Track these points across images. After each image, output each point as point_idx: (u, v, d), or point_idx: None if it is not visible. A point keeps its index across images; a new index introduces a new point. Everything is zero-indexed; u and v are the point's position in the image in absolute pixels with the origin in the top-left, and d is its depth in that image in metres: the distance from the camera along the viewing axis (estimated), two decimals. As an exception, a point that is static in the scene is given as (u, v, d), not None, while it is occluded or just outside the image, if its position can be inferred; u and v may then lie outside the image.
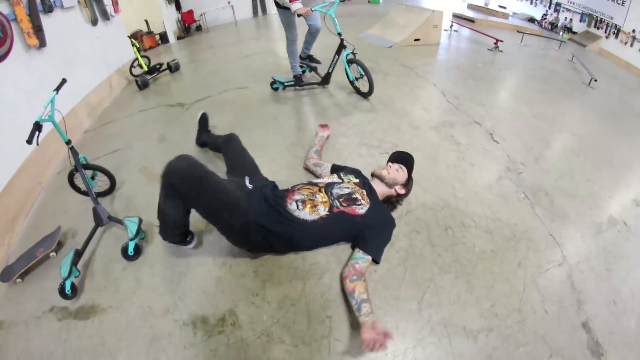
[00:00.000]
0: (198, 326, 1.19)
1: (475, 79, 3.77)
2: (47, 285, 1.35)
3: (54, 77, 1.82)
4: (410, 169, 1.64)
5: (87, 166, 1.69)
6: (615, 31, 6.44)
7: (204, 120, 2.23)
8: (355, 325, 1.16)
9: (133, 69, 3.41)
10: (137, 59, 3.38)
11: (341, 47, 2.82)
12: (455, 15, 7.30)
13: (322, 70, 3.23)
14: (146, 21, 4.81)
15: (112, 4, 3.47)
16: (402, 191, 1.58)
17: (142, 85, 3.18)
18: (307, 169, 1.93)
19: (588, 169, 2.18)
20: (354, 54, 2.79)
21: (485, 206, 1.75)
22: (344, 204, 1.35)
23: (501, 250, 1.50)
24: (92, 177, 1.79)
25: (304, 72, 3.39)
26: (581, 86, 3.83)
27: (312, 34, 3.10)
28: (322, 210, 1.31)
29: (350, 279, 1.21)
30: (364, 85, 2.85)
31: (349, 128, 2.46)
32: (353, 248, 1.39)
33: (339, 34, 2.77)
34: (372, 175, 1.60)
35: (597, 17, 6.92)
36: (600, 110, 3.20)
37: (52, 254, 1.45)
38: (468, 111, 2.88)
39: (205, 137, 2.15)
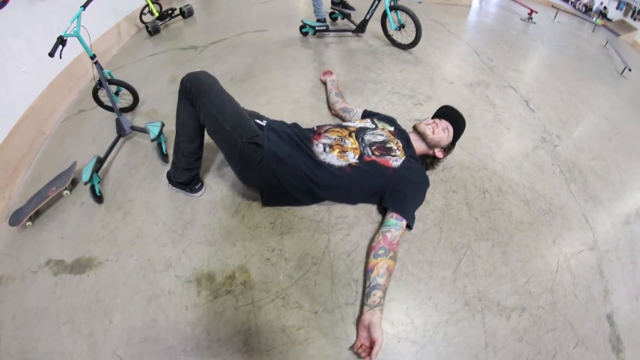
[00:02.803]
0: (203, 284, 0.96)
1: (508, 45, 3.25)
2: (46, 237, 1.17)
3: (57, 24, 1.73)
4: (458, 134, 1.26)
5: (111, 81, 1.61)
6: None
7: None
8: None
9: (143, 16, 3.10)
10: (147, 5, 3.06)
11: None
12: None
13: (357, 18, 2.68)
14: None
15: None
16: (440, 155, 1.25)
17: (153, 31, 2.91)
18: (336, 115, 1.55)
19: (619, 156, 1.92)
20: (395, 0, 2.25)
21: (522, 174, 1.46)
22: (376, 153, 1.07)
23: (537, 224, 1.25)
24: (116, 93, 1.74)
25: (335, 18, 2.91)
26: (614, 73, 3.43)
27: None
28: (352, 157, 1.03)
29: (375, 253, 0.92)
30: (404, 37, 2.38)
31: (379, 75, 2.05)
32: (383, 211, 1.10)
33: None
34: (414, 128, 1.25)
35: (635, 7, 6.19)
36: (631, 99, 2.87)
37: (66, 192, 1.27)
38: (503, 74, 2.45)
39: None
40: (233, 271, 0.99)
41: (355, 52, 2.37)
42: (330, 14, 2.91)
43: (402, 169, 1.05)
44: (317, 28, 2.46)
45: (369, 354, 0.76)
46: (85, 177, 1.19)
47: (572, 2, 7.52)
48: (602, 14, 6.86)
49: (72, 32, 1.30)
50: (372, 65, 2.19)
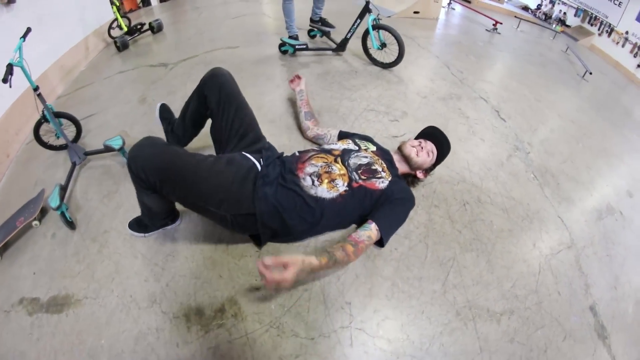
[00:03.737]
0: (192, 319, 1.03)
1: (476, 56, 3.84)
2: (17, 272, 1.21)
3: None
4: (441, 158, 1.50)
5: (57, 114, 1.67)
6: (609, 30, 7.02)
7: (165, 114, 1.63)
8: (379, 310, 1.09)
9: (112, 31, 3.37)
10: (116, 19, 3.33)
11: (366, 10, 2.64)
12: None
13: (336, 35, 3.08)
14: None
15: None
16: (421, 176, 1.48)
17: (122, 47, 3.12)
18: (311, 141, 1.76)
19: (587, 156, 2.34)
20: (377, 19, 2.63)
21: (499, 183, 1.76)
22: (363, 177, 1.20)
23: (517, 230, 1.52)
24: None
25: (314, 36, 3.22)
26: (576, 77, 4.11)
27: (285, 2, 2.81)
28: (341, 186, 1.15)
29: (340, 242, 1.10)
30: (385, 56, 2.74)
31: (353, 92, 2.36)
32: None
33: None
34: (399, 149, 1.45)
35: (592, 13, 7.50)
36: (594, 102, 3.46)
37: (35, 222, 1.31)
38: (473, 86, 2.91)
39: (178, 129, 1.52)
40: (222, 304, 1.07)
41: (329, 70, 2.68)
42: (309, 32, 3.25)
43: (388, 189, 1.24)
44: (297, 47, 2.72)
45: (268, 279, 0.85)
46: (54, 203, 1.25)
47: (532, 11, 8.99)
48: (561, 21, 8.25)
49: (17, 62, 1.36)
50: (346, 82, 2.51)
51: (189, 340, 0.99)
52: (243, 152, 1.21)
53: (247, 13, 4.20)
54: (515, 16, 6.88)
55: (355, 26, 2.74)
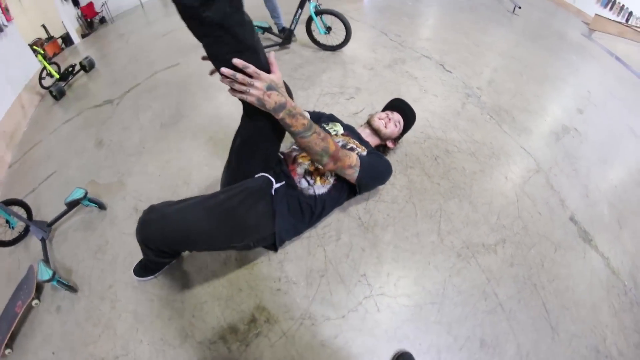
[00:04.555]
0: (229, 339, 1.15)
1: (409, 16, 4.27)
2: (35, 359, 1.22)
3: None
4: (408, 126, 1.73)
5: (5, 203, 1.65)
6: None
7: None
8: (391, 272, 1.29)
9: (43, 81, 3.47)
10: (44, 68, 3.45)
11: None
12: None
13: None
14: (44, 26, 5.05)
15: (2, 12, 3.38)
16: (391, 145, 1.71)
17: (58, 95, 3.24)
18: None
19: (533, 86, 2.76)
20: (318, 5, 2.87)
21: (461, 131, 2.06)
22: None
23: (487, 169, 1.81)
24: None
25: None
26: (507, 14, 4.73)
27: None
28: (330, 177, 1.34)
29: None
30: (332, 39, 2.98)
31: (304, 81, 2.57)
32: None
33: None
34: (368, 123, 1.67)
35: None
36: (528, 34, 4.03)
37: (35, 302, 1.35)
38: (413, 46, 3.26)
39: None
40: (252, 314, 1.21)
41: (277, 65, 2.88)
42: None
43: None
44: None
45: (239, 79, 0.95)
46: (46, 275, 1.29)
47: None
48: None
49: None
50: (294, 73, 2.71)
51: (232, 358, 1.11)
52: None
53: (176, 27, 4.27)
54: None
55: (297, 16, 3.00)
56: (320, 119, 1.69)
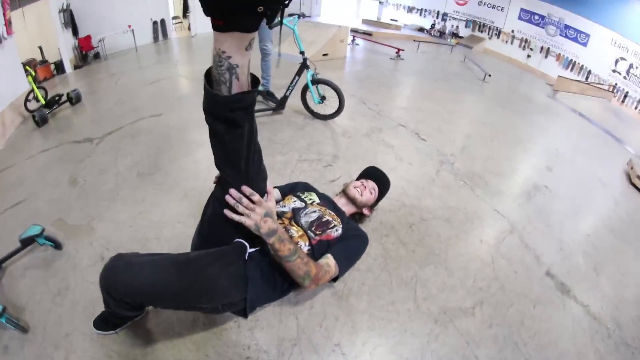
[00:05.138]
0: None
1: (387, 86, 4.95)
2: None
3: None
4: (383, 193, 1.96)
5: None
6: (497, 32, 10.09)
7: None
8: (367, 341, 1.41)
9: (28, 103, 3.61)
10: (32, 90, 3.60)
11: (304, 66, 3.29)
12: (354, 30, 9.40)
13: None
14: (40, 48, 5.19)
15: (5, 24, 3.51)
16: (367, 213, 1.91)
17: (41, 121, 3.38)
18: None
19: (504, 149, 3.19)
20: (316, 74, 3.31)
21: (436, 198, 2.35)
22: (318, 232, 1.50)
23: (462, 234, 2.06)
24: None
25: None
26: (477, 82, 5.50)
27: (263, 59, 3.57)
28: (304, 246, 1.44)
29: None
30: (326, 108, 3.41)
31: (283, 146, 2.90)
32: None
33: (302, 53, 3.26)
34: (344, 193, 1.87)
35: (480, 22, 10.66)
36: (498, 99, 4.68)
37: None
38: (390, 115, 3.78)
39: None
40: None
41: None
42: None
43: (343, 233, 1.60)
44: None
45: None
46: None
47: (428, 31, 11.96)
48: (455, 34, 11.17)
49: None
50: (274, 137, 3.03)
51: None
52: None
53: (164, 77, 4.77)
54: (414, 40, 8.99)
55: (294, 83, 3.38)
56: (295, 187, 1.90)
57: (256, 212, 1.17)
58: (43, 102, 3.64)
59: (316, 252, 1.47)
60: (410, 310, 1.54)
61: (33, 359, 1.27)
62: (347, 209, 1.84)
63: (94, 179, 2.39)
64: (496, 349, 1.45)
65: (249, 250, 1.31)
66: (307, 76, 3.31)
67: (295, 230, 1.48)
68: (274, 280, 1.35)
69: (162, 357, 1.29)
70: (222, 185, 1.22)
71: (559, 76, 6.49)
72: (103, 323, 1.35)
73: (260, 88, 3.77)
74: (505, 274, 1.80)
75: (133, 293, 1.08)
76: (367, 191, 1.86)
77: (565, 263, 1.97)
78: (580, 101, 5.31)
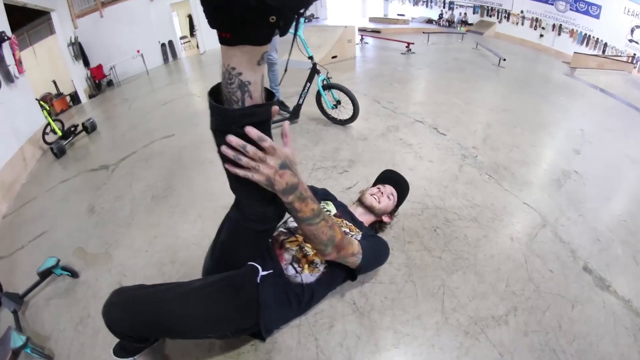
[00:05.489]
0: None
1: (400, 82, 4.81)
2: None
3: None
4: (402, 197, 1.88)
5: None
6: (506, 15, 9.68)
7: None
8: None
9: (46, 136, 3.80)
10: (49, 124, 3.80)
11: (314, 72, 3.19)
12: (361, 29, 9.32)
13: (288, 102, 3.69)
14: (54, 82, 5.49)
15: (16, 64, 3.70)
16: (387, 220, 1.83)
17: (59, 153, 3.51)
18: None
19: (528, 136, 3.00)
20: (328, 78, 3.19)
21: (460, 196, 2.23)
22: None
23: (491, 233, 1.93)
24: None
25: None
26: (492, 67, 5.24)
27: (270, 69, 3.49)
28: (320, 265, 1.39)
29: None
30: (342, 113, 3.30)
31: (297, 155, 2.83)
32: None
33: (311, 58, 3.16)
34: (360, 202, 1.80)
35: (487, 6, 10.26)
36: (515, 83, 4.43)
37: None
38: (406, 112, 3.65)
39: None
40: None
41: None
42: None
43: (362, 243, 1.53)
44: None
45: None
46: (19, 341, 1.37)
47: (436, 22, 11.65)
48: (464, 22, 10.78)
49: None
50: None
51: None
52: None
53: (175, 97, 4.89)
54: (423, 32, 8.78)
55: (305, 90, 3.26)
56: (315, 195, 1.87)
57: (268, 163, 0.89)
58: (60, 134, 3.80)
59: (335, 267, 1.42)
60: (438, 324, 1.46)
61: None
62: (366, 218, 1.77)
63: (110, 206, 2.47)
64: (532, 359, 1.35)
65: (262, 273, 1.26)
66: (317, 82, 3.21)
67: (309, 248, 1.43)
68: (288, 301, 1.31)
69: None
70: (237, 207, 1.12)
71: (574, 52, 6.10)
72: (122, 350, 1.36)
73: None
74: (540, 274, 1.68)
75: (135, 328, 1.06)
76: (384, 197, 1.78)
77: (603, 255, 1.81)
78: (599, 76, 4.96)
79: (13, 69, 3.68)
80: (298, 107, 3.40)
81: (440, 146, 2.90)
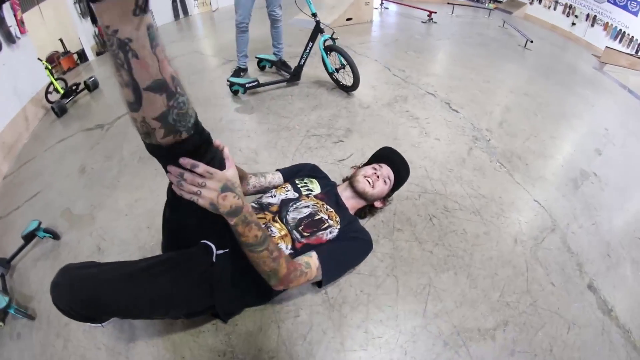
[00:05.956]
0: None
1: (416, 51, 4.35)
2: None
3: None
4: (399, 183, 1.62)
5: None
6: None
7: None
8: None
9: (49, 95, 3.77)
10: (51, 83, 3.77)
11: (317, 31, 2.86)
12: None
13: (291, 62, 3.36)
14: (61, 40, 5.41)
15: (17, 24, 3.69)
16: (379, 205, 1.61)
17: (60, 112, 3.52)
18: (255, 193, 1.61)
19: (548, 126, 2.66)
20: (332, 39, 2.85)
21: (465, 183, 1.96)
22: (306, 233, 1.25)
23: (493, 230, 1.68)
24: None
25: (263, 67, 3.56)
26: (518, 48, 4.76)
27: (273, 26, 3.18)
28: (285, 250, 1.21)
29: None
30: (345, 78, 2.96)
31: (291, 120, 2.57)
32: None
33: (314, 15, 2.82)
34: (350, 185, 1.52)
35: None
36: (540, 68, 4.00)
37: None
38: (418, 83, 3.27)
39: None
40: None
41: (263, 100, 2.89)
42: (258, 63, 3.54)
43: (339, 235, 1.31)
44: (247, 85, 2.89)
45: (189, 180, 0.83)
46: (3, 302, 1.38)
47: None
48: None
49: None
50: (282, 110, 2.70)
51: None
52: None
53: (182, 53, 4.58)
54: (448, 2, 8.04)
55: (307, 50, 2.95)
56: (300, 171, 1.60)
57: (209, 187, 0.86)
58: (62, 92, 3.74)
59: (301, 254, 1.20)
60: (416, 329, 1.25)
61: (39, 346, 1.33)
62: (353, 203, 1.51)
63: (99, 166, 2.34)
64: None
65: (217, 252, 1.11)
66: (319, 42, 2.86)
67: (277, 229, 1.21)
68: (248, 284, 1.15)
69: (142, 354, 1.25)
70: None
71: (606, 47, 5.52)
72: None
73: (272, 57, 3.43)
74: (540, 287, 1.45)
75: (77, 308, 1.00)
76: (380, 181, 1.50)
77: (611, 274, 1.57)
78: (630, 76, 4.49)
79: (14, 29, 3.59)
80: (299, 67, 3.09)
81: (451, 124, 2.57)
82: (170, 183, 0.97)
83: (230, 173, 0.94)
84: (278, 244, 1.18)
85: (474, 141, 2.37)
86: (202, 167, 0.85)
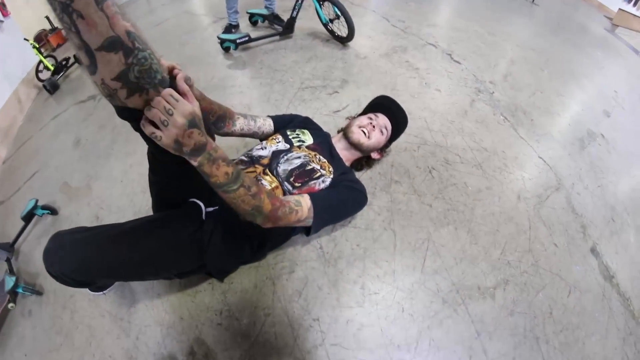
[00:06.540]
0: None
1: (417, 1, 3.96)
2: (10, 358, 1.33)
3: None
4: (398, 133, 1.48)
5: None
6: None
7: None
8: (352, 319, 1.09)
9: (40, 74, 3.70)
10: (41, 61, 3.71)
11: None
12: None
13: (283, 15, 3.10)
14: (47, 18, 5.23)
15: None
16: (376, 156, 1.47)
17: (52, 89, 3.48)
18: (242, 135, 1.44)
19: (555, 83, 2.46)
20: None
21: (467, 136, 1.78)
22: (297, 183, 1.16)
23: (496, 185, 1.54)
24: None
25: (255, 22, 3.39)
26: (525, 3, 4.41)
27: None
28: None
29: None
30: (340, 29, 2.71)
31: (284, 73, 2.37)
32: None
33: None
34: (345, 136, 1.38)
35: None
36: (549, 25, 3.71)
37: (11, 305, 1.46)
38: (418, 33, 2.98)
39: None
40: (191, 346, 1.15)
41: (255, 54, 2.68)
42: (250, 18, 3.28)
43: (332, 184, 1.19)
44: (237, 41, 2.73)
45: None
46: (10, 283, 1.42)
47: None
48: None
49: None
50: (275, 63, 2.48)
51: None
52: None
53: (170, 16, 4.27)
54: None
55: (300, 2, 2.73)
56: (291, 122, 1.44)
57: (176, 121, 0.72)
58: (52, 69, 3.65)
59: None
60: (414, 285, 1.14)
61: (48, 320, 1.35)
62: (348, 155, 1.37)
63: (93, 137, 2.27)
64: (512, 343, 1.08)
65: (206, 209, 1.07)
66: None
67: (268, 182, 1.14)
68: (241, 241, 1.11)
69: (143, 317, 1.26)
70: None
71: (619, 10, 5.20)
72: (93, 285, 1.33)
73: (264, 11, 3.18)
74: (543, 246, 1.33)
75: (68, 274, 0.96)
76: (376, 131, 1.35)
77: (614, 239, 1.47)
78: None
79: (-4, 14, 3.41)
80: (292, 20, 2.84)
81: (452, 75, 2.35)
82: (149, 147, 0.93)
83: (193, 107, 0.78)
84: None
85: (476, 93, 2.17)
86: (166, 91, 0.72)
